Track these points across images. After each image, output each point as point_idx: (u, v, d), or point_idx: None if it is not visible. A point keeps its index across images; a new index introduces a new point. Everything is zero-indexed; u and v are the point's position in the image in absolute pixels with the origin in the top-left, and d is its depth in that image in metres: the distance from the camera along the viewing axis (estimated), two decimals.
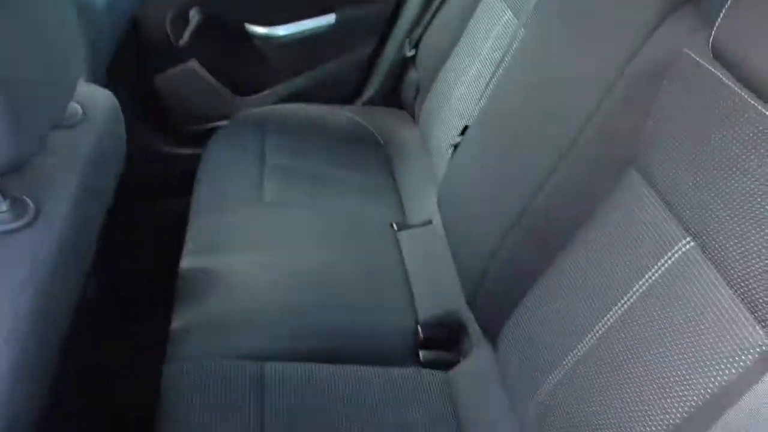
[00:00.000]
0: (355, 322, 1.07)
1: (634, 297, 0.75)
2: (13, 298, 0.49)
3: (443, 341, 1.11)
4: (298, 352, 0.98)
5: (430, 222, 1.31)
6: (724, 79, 0.65)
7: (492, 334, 1.00)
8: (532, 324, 0.91)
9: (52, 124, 0.52)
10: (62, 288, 0.55)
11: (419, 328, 1.09)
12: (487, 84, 1.21)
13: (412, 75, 1.58)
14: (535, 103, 1.00)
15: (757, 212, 0.60)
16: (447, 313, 1.12)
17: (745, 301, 0.60)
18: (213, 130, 1.50)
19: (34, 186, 0.53)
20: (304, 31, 1.53)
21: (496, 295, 1.00)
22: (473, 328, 1.08)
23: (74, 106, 0.67)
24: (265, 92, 1.61)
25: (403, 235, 1.28)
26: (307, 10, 1.51)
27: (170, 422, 0.83)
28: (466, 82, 1.31)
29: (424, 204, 1.36)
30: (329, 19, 1.52)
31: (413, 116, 1.59)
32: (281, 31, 1.52)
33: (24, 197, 0.53)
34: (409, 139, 1.56)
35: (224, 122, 1.53)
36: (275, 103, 1.60)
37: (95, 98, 0.73)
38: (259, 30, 1.51)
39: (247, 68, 1.59)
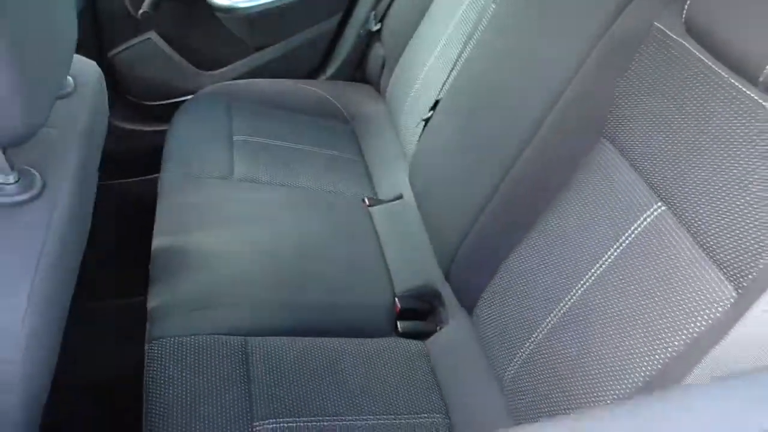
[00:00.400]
0: (334, 296, 1.08)
1: (609, 261, 0.79)
2: (29, 269, 0.48)
3: (420, 312, 1.13)
4: (280, 327, 0.99)
5: (401, 197, 1.33)
6: (695, 52, 0.68)
7: (468, 304, 1.03)
8: (510, 292, 0.95)
9: (56, 95, 0.50)
10: (70, 259, 0.54)
11: (396, 299, 1.11)
12: (457, 57, 1.22)
13: (378, 49, 1.58)
14: (508, 76, 1.02)
15: (726, 176, 0.64)
16: (423, 285, 1.15)
17: (714, 259, 0.65)
18: (175, 105, 1.46)
19: (38, 158, 0.52)
20: (267, 4, 1.50)
21: (472, 266, 1.03)
22: (449, 298, 1.11)
23: (67, 78, 0.65)
24: (229, 67, 1.58)
25: (376, 210, 1.29)
26: None
27: (158, 400, 0.83)
28: (435, 56, 1.33)
29: (394, 179, 1.38)
30: None
31: (379, 91, 1.60)
32: (243, 3, 1.48)
33: (31, 169, 0.51)
34: (375, 113, 1.57)
35: (187, 97, 1.50)
36: (239, 77, 1.57)
37: (82, 69, 0.70)
38: (221, 2, 1.47)
39: (209, 42, 1.55)
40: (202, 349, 0.90)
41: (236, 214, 1.17)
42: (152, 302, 0.96)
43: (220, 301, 0.99)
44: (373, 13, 1.56)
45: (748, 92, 0.61)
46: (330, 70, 1.64)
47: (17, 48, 0.39)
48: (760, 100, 0.60)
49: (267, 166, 1.30)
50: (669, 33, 0.72)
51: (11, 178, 0.50)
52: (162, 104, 1.55)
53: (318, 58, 1.65)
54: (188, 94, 1.50)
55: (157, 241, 1.07)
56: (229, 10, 1.48)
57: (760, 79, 0.59)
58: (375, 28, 1.56)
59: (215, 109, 1.41)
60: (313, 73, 1.65)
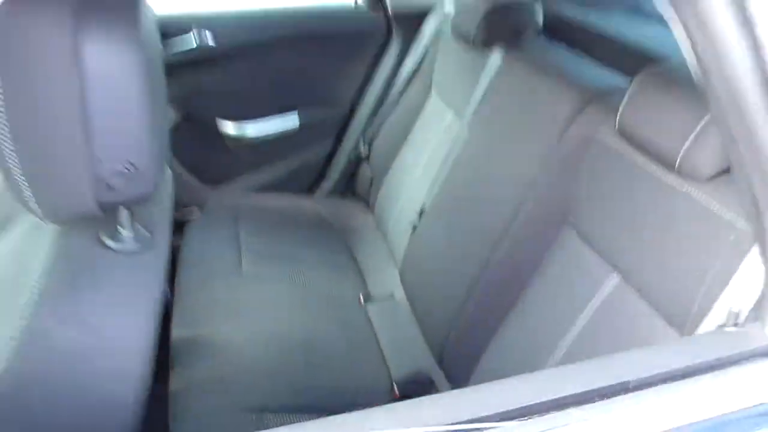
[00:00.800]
0: (338, 381, 1.17)
1: (578, 329, 0.93)
2: (150, 304, 0.60)
3: (416, 396, 1.22)
4: (290, 405, 1.07)
5: (392, 295, 1.46)
6: (628, 154, 0.88)
7: (460, 386, 1.13)
8: (494, 374, 1.06)
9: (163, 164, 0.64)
10: (162, 308, 0.65)
11: (394, 385, 1.20)
12: (438, 172, 1.43)
13: (366, 169, 1.80)
14: (483, 184, 1.21)
15: (661, 247, 0.81)
16: (417, 371, 1.25)
17: (660, 311, 0.79)
18: (185, 220, 1.62)
19: (145, 217, 0.65)
20: (271, 134, 1.72)
21: (461, 352, 1.15)
22: (441, 382, 1.21)
23: None
24: (234, 183, 1.76)
25: (370, 307, 1.42)
26: (273, 107, 1.71)
27: None
28: (418, 173, 1.53)
29: (383, 279, 1.52)
30: (294, 121, 1.73)
31: (367, 205, 1.79)
32: (250, 132, 1.70)
33: (139, 225, 0.64)
34: (364, 224, 1.75)
35: (196, 211, 1.66)
36: (243, 193, 1.76)
37: None
38: (231, 131, 1.69)
39: (217, 161, 1.74)
40: (222, 426, 0.98)
41: (246, 307, 1.29)
42: (174, 385, 1.05)
43: (235, 384, 1.08)
44: (363, 138, 1.79)
45: (667, 178, 0.80)
46: (324, 187, 1.84)
47: (156, 124, 0.55)
48: (676, 185, 0.79)
49: (272, 268, 1.44)
50: (607, 138, 0.92)
51: (130, 232, 0.63)
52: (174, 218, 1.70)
53: (314, 176, 1.85)
54: (198, 208, 1.67)
55: (176, 332, 1.17)
56: (238, 138, 1.70)
57: (675, 166, 0.77)
58: (364, 151, 1.78)
59: (224, 220, 1.57)
60: (309, 190, 1.85)
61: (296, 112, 1.73)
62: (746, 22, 0.42)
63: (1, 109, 0.50)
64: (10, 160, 0.52)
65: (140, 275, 0.63)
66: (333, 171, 1.85)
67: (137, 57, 0.54)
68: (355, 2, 1.77)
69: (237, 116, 1.68)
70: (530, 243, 1.08)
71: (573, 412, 0.43)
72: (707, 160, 0.74)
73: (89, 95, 0.51)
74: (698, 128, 0.74)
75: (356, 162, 1.84)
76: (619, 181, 0.90)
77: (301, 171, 1.82)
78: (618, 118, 0.88)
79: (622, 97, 0.88)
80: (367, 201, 1.79)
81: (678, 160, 0.76)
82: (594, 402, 0.44)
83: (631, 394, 0.45)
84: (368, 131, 1.79)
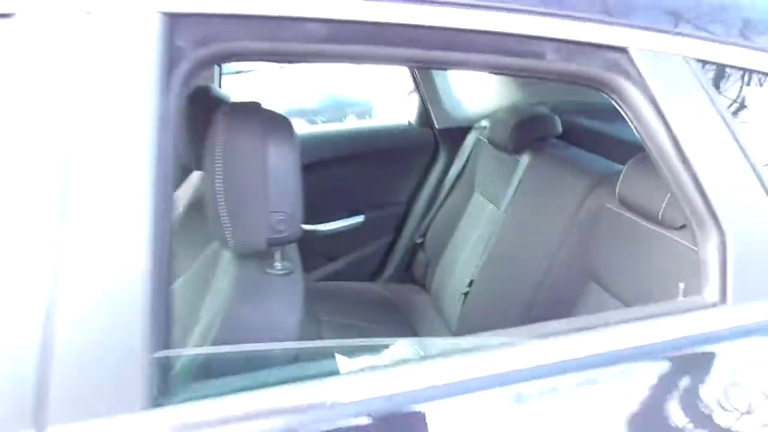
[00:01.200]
0: None
1: None
2: (293, 308, 0.89)
3: None
4: None
5: None
6: (627, 215, 1.17)
7: None
8: None
9: None
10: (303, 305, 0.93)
11: None
12: (482, 252, 1.72)
13: (422, 256, 2.10)
14: (520, 251, 1.50)
15: (661, 280, 1.07)
16: None
17: None
18: None
19: (285, 255, 0.96)
20: (338, 228, 2.07)
21: None
22: None
23: None
24: (308, 274, 2.08)
25: None
26: (342, 212, 2.07)
27: None
28: (466, 255, 1.83)
29: None
30: (359, 219, 2.08)
31: (424, 288, 2.07)
32: (323, 228, 2.05)
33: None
34: (421, 304, 2.02)
35: None
36: (316, 281, 2.07)
37: None
38: (306, 227, 2.04)
39: None
40: None
41: None
42: None
43: None
44: (418, 230, 2.12)
45: (655, 228, 1.08)
46: (386, 274, 2.15)
47: (299, 188, 0.87)
48: (661, 233, 1.06)
49: (345, 339, 1.71)
50: (612, 206, 1.22)
51: (280, 262, 0.94)
52: None
53: (376, 265, 2.17)
54: None
55: None
56: (311, 232, 2.04)
57: (659, 219, 1.05)
58: (419, 241, 2.10)
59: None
60: (373, 277, 2.15)
61: (362, 215, 2.09)
62: (658, 110, 0.73)
63: (221, 183, 0.84)
64: (221, 213, 0.85)
65: (287, 288, 0.93)
66: (393, 260, 2.16)
67: (293, 152, 0.88)
68: (408, 122, 2.18)
69: (311, 221, 2.04)
70: (560, 295, 1.34)
71: (568, 336, 0.70)
72: (680, 213, 1.02)
73: (279, 173, 0.85)
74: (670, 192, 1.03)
75: (413, 251, 2.15)
76: (624, 237, 1.18)
77: (365, 261, 2.14)
78: (617, 191, 1.18)
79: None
80: (423, 285, 2.08)
81: (660, 215, 1.05)
82: (577, 333, 0.71)
83: (600, 329, 0.71)
84: (422, 225, 2.12)
